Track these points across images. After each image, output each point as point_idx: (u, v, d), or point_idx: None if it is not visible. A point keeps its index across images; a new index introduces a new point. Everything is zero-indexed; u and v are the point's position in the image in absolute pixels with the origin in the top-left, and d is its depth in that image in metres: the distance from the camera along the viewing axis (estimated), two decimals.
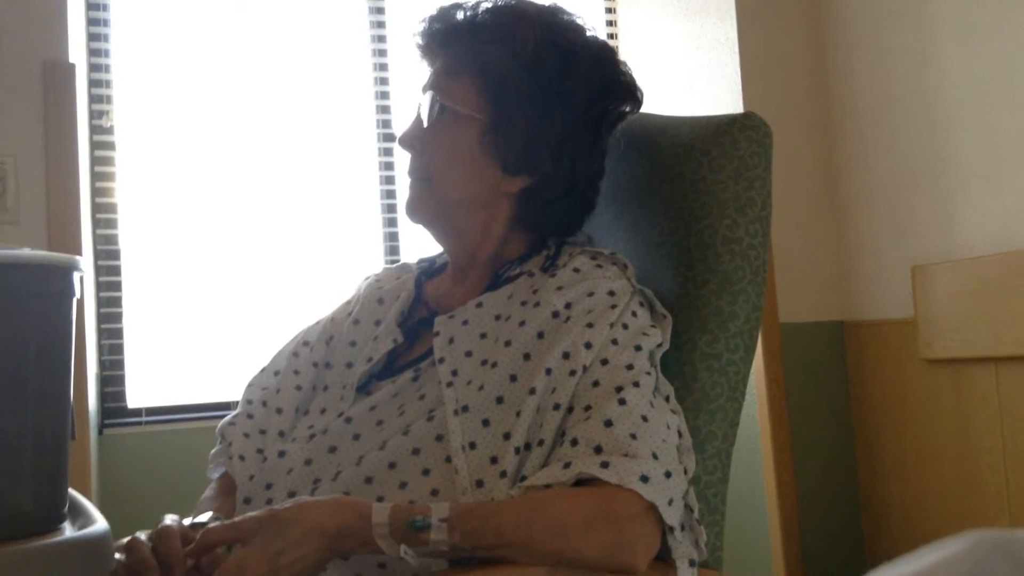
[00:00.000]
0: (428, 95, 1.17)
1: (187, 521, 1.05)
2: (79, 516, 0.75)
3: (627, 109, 1.21)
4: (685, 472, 1.02)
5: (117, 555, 0.93)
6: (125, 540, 0.95)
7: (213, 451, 1.22)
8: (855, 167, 2.57)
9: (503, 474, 0.99)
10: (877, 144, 2.50)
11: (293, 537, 0.90)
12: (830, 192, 2.64)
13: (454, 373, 1.08)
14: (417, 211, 1.19)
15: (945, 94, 2.29)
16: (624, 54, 2.78)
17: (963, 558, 0.24)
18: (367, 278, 1.34)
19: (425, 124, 1.17)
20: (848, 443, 2.58)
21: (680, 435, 1.04)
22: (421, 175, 1.18)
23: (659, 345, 1.09)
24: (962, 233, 2.26)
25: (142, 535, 0.96)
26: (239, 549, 0.90)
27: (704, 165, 1.18)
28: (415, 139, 1.18)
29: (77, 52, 2.19)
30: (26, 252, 0.73)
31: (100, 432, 2.26)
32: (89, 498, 1.99)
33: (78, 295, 0.77)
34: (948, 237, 2.29)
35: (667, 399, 1.07)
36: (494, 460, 1.01)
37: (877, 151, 2.50)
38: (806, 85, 2.64)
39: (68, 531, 0.71)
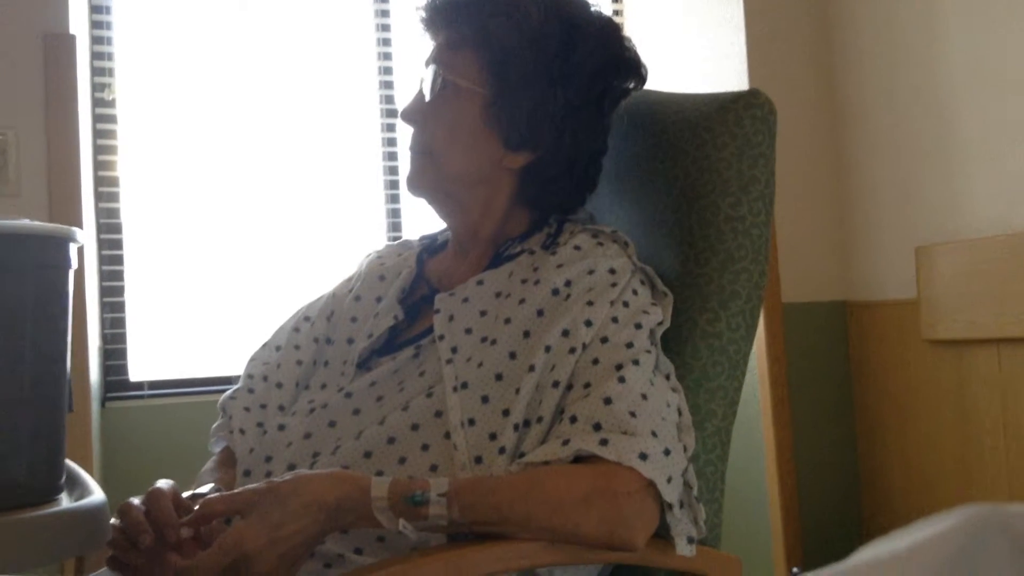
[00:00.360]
0: (431, 68, 1.17)
1: (187, 493, 1.05)
2: (76, 487, 0.75)
3: (631, 86, 1.20)
4: (685, 450, 1.02)
5: (113, 520, 0.94)
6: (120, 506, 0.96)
7: (215, 425, 1.22)
8: (860, 146, 2.56)
9: (502, 450, 1.00)
10: (882, 124, 2.48)
11: (292, 509, 0.90)
12: (834, 171, 2.63)
13: (454, 350, 1.08)
14: (418, 184, 1.18)
15: (951, 73, 2.27)
16: (629, 31, 2.75)
17: (956, 532, 0.24)
18: (369, 255, 1.33)
19: (427, 98, 1.17)
20: (849, 423, 2.58)
21: (680, 413, 1.04)
22: (423, 149, 1.18)
23: (660, 323, 1.09)
24: (966, 214, 2.25)
25: (135, 500, 0.97)
26: (238, 521, 0.90)
27: (707, 142, 1.17)
28: (417, 113, 1.18)
29: (78, 24, 2.17)
30: (23, 222, 0.73)
31: (103, 405, 2.27)
32: (91, 471, 2.00)
33: (75, 266, 0.77)
34: (952, 218, 2.28)
35: (667, 377, 1.06)
36: (493, 436, 1.01)
37: (882, 131, 2.49)
38: (811, 63, 2.62)
39: (65, 502, 0.71)
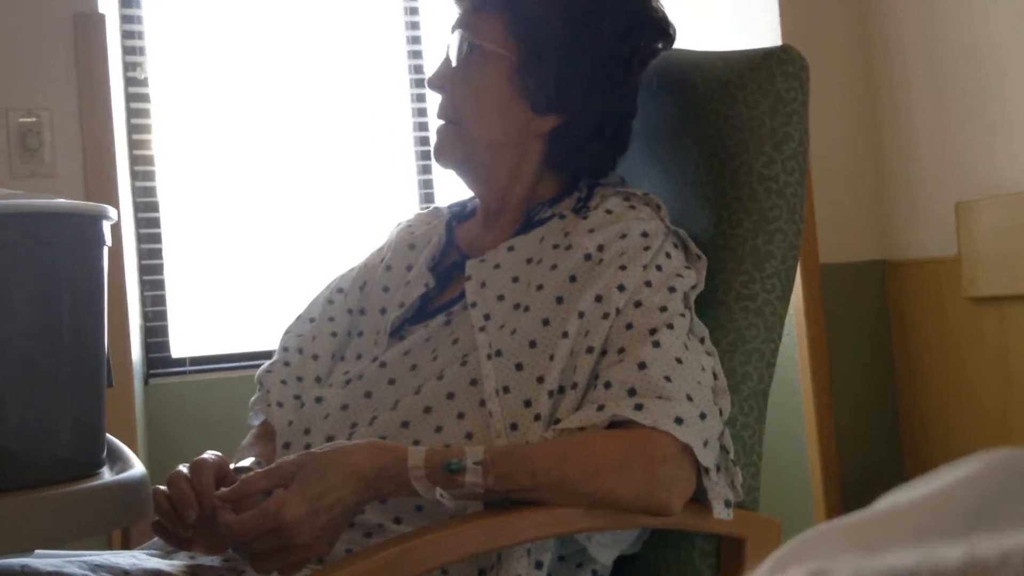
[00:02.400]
0: (457, 34, 1.16)
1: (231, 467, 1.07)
2: (117, 461, 0.76)
3: (659, 46, 1.19)
4: (720, 413, 1.02)
5: (161, 487, 0.95)
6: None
7: (253, 399, 1.23)
8: (897, 101, 2.51)
9: (537, 417, 1.00)
10: (919, 77, 2.43)
11: (332, 480, 0.91)
12: (871, 127, 2.58)
13: (487, 317, 1.07)
14: (446, 155, 1.18)
15: (992, 24, 2.22)
16: None
17: (980, 476, 0.23)
18: (399, 224, 1.33)
19: (454, 64, 1.16)
20: (889, 384, 2.55)
21: (715, 377, 1.04)
22: (450, 117, 1.17)
23: (694, 287, 1.08)
24: (1008, 168, 2.20)
25: (184, 468, 0.98)
26: (279, 491, 0.91)
27: (739, 101, 1.15)
28: (444, 79, 1.17)
29: (108, 4, 2.19)
30: (56, 201, 0.74)
31: (145, 382, 2.30)
32: (135, 447, 2.04)
33: (109, 243, 0.78)
34: (993, 172, 2.23)
35: (702, 341, 1.06)
36: (528, 403, 1.01)
37: (919, 84, 2.43)
38: (846, 16, 2.57)
39: (107, 476, 0.72)
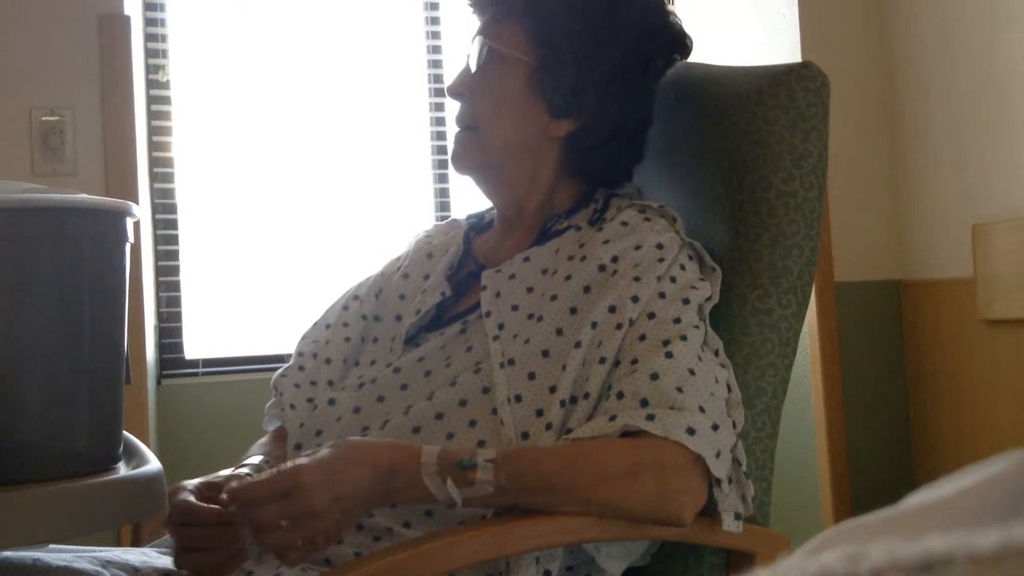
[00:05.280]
0: (477, 41, 1.17)
1: (230, 471, 1.07)
2: (133, 457, 0.77)
3: (676, 56, 1.20)
4: (734, 426, 1.01)
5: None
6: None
7: (268, 404, 1.24)
8: (915, 120, 2.50)
9: (548, 426, 1.00)
10: (939, 97, 2.43)
11: (349, 461, 0.91)
12: (889, 146, 2.57)
13: (500, 327, 1.08)
14: (463, 161, 1.19)
15: (1011, 44, 2.21)
16: (680, 1, 2.72)
17: (1005, 476, 0.23)
18: (418, 235, 1.34)
19: (473, 70, 1.17)
20: (902, 404, 2.54)
21: (729, 389, 1.04)
22: (468, 123, 1.18)
23: (708, 299, 1.08)
24: None
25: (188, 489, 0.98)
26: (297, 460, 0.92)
27: (759, 116, 1.15)
28: (463, 86, 1.18)
29: (132, 5, 2.21)
30: (80, 196, 0.74)
31: (158, 383, 2.31)
32: (148, 447, 2.05)
33: (131, 240, 0.78)
34: (1011, 194, 2.22)
35: (716, 353, 1.06)
36: (540, 413, 1.01)
37: (939, 104, 2.43)
38: (866, 34, 2.57)
39: (123, 471, 0.72)
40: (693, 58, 1.27)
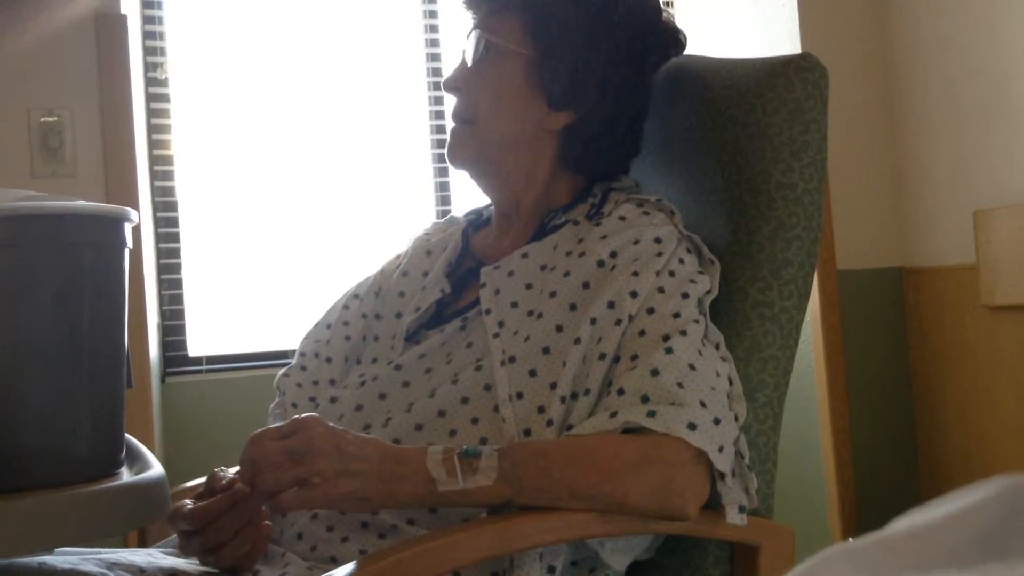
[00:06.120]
0: (474, 35, 1.17)
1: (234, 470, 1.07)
2: (136, 462, 0.77)
3: (670, 51, 1.21)
4: (736, 419, 1.01)
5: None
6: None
7: (272, 404, 1.24)
8: (915, 108, 2.50)
9: (549, 423, 1.00)
10: (938, 84, 2.42)
11: (359, 441, 0.92)
12: (890, 134, 2.57)
13: (500, 324, 1.08)
14: (459, 155, 1.19)
15: (1011, 31, 2.20)
16: None
17: (992, 503, 0.23)
18: (417, 233, 1.34)
19: (470, 64, 1.17)
20: (906, 392, 2.54)
21: (731, 382, 1.04)
22: (465, 117, 1.18)
23: (707, 292, 1.08)
24: None
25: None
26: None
27: (757, 108, 1.15)
28: (460, 81, 1.18)
29: (129, 4, 2.20)
30: (79, 203, 0.74)
31: (162, 381, 2.32)
32: (153, 446, 2.05)
33: (130, 246, 0.78)
34: (1012, 180, 2.22)
35: (717, 347, 1.06)
36: (541, 409, 1.01)
37: (938, 91, 2.42)
38: (866, 22, 2.56)
39: (125, 476, 0.72)
40: (692, 50, 1.26)
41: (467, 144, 1.18)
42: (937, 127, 2.44)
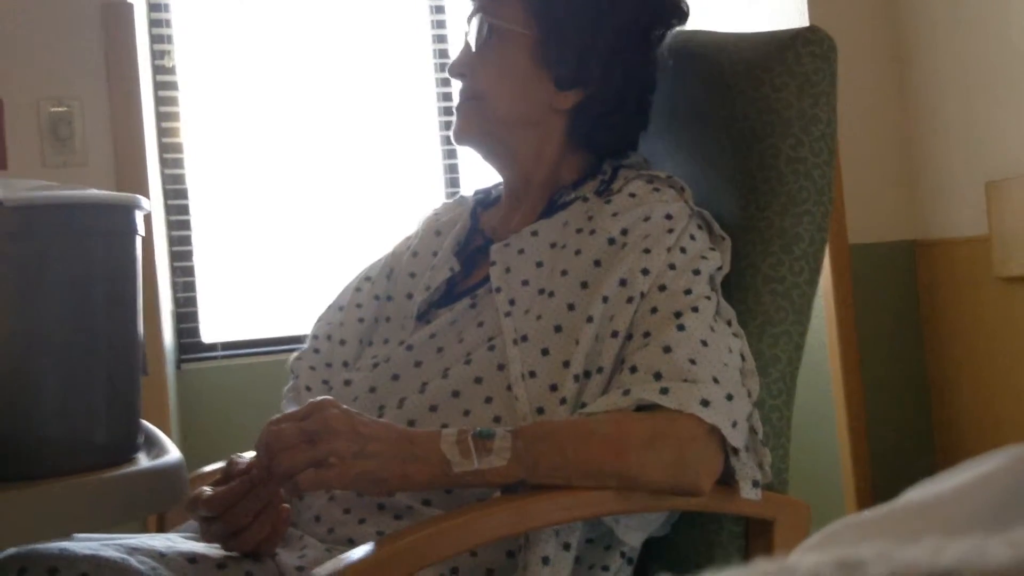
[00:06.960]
0: (475, 19, 1.16)
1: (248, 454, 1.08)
2: (153, 447, 0.77)
3: (673, 21, 1.20)
4: (749, 395, 1.02)
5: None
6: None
7: (286, 387, 1.25)
8: (926, 80, 2.48)
9: (563, 401, 1.00)
10: (948, 54, 2.40)
11: (374, 424, 0.92)
12: (899, 107, 2.55)
13: (511, 303, 1.08)
14: (465, 131, 1.18)
15: (1022, 2, 2.18)
16: None
17: (1001, 474, 0.23)
18: (427, 213, 1.34)
19: (473, 49, 1.17)
20: (920, 365, 2.53)
21: (743, 358, 1.04)
22: (470, 95, 1.17)
23: (719, 268, 1.08)
24: None
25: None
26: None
27: (766, 83, 1.14)
28: (464, 66, 1.18)
29: None
30: (90, 192, 0.75)
31: (177, 368, 2.33)
32: (169, 432, 2.07)
33: (142, 233, 0.79)
34: None
35: (729, 323, 1.06)
36: (554, 388, 1.01)
37: (948, 62, 2.40)
38: None
39: (143, 462, 0.73)
40: (700, 25, 1.26)
41: (473, 120, 1.17)
42: (948, 98, 2.42)
